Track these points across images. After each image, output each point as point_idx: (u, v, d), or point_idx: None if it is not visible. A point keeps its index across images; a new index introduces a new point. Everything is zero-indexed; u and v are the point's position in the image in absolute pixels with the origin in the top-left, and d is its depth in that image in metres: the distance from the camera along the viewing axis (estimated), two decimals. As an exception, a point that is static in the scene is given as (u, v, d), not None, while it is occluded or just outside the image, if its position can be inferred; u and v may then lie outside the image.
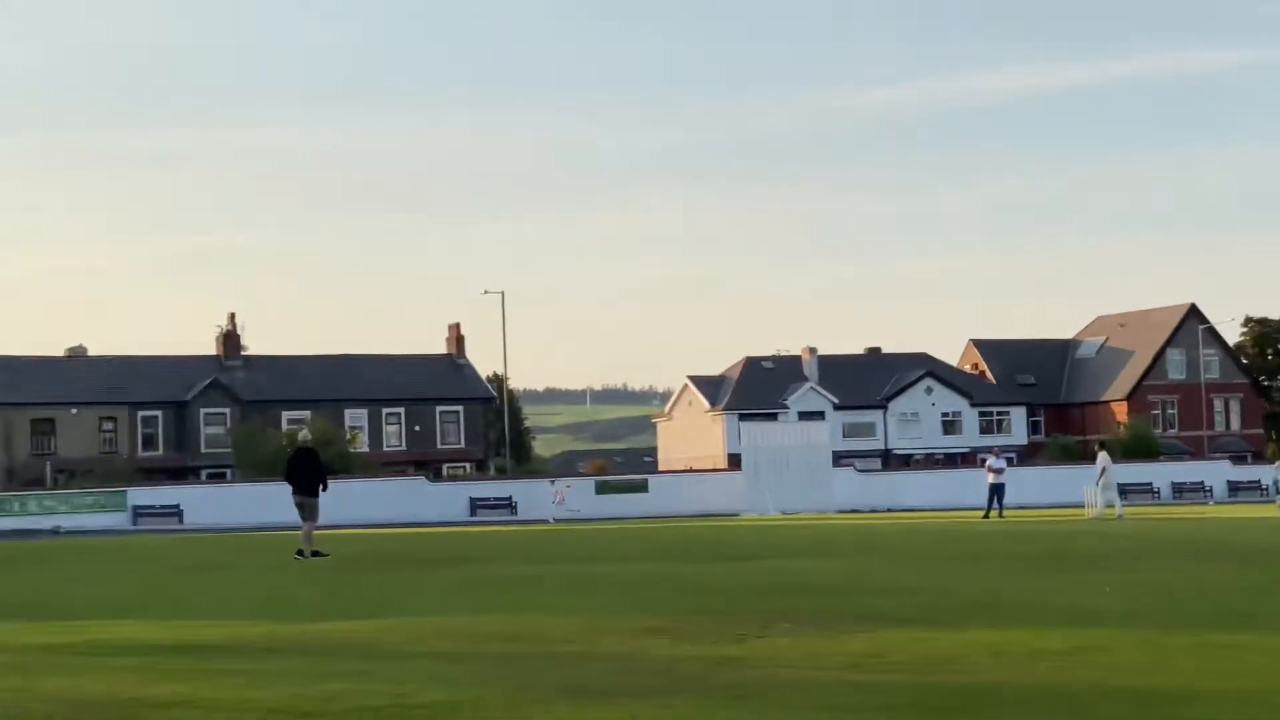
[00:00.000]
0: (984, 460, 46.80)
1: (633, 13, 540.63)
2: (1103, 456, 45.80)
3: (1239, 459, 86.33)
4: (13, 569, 26.93)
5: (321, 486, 26.86)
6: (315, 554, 25.65)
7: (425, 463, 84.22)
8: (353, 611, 14.97)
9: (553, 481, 65.00)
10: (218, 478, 78.94)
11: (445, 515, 63.38)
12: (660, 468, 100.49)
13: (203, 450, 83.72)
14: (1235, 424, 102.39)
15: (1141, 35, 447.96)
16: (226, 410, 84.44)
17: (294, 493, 26.79)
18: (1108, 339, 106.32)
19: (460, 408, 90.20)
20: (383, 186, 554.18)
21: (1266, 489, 45.81)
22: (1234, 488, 74.54)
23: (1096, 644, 11.10)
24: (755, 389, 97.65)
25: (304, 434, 30.16)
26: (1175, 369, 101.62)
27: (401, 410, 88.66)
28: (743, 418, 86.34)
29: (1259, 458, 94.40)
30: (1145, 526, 34.93)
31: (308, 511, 26.60)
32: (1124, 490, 71.19)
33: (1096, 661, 10.22)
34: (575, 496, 68.33)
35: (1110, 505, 43.45)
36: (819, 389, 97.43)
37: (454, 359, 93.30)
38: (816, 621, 13.08)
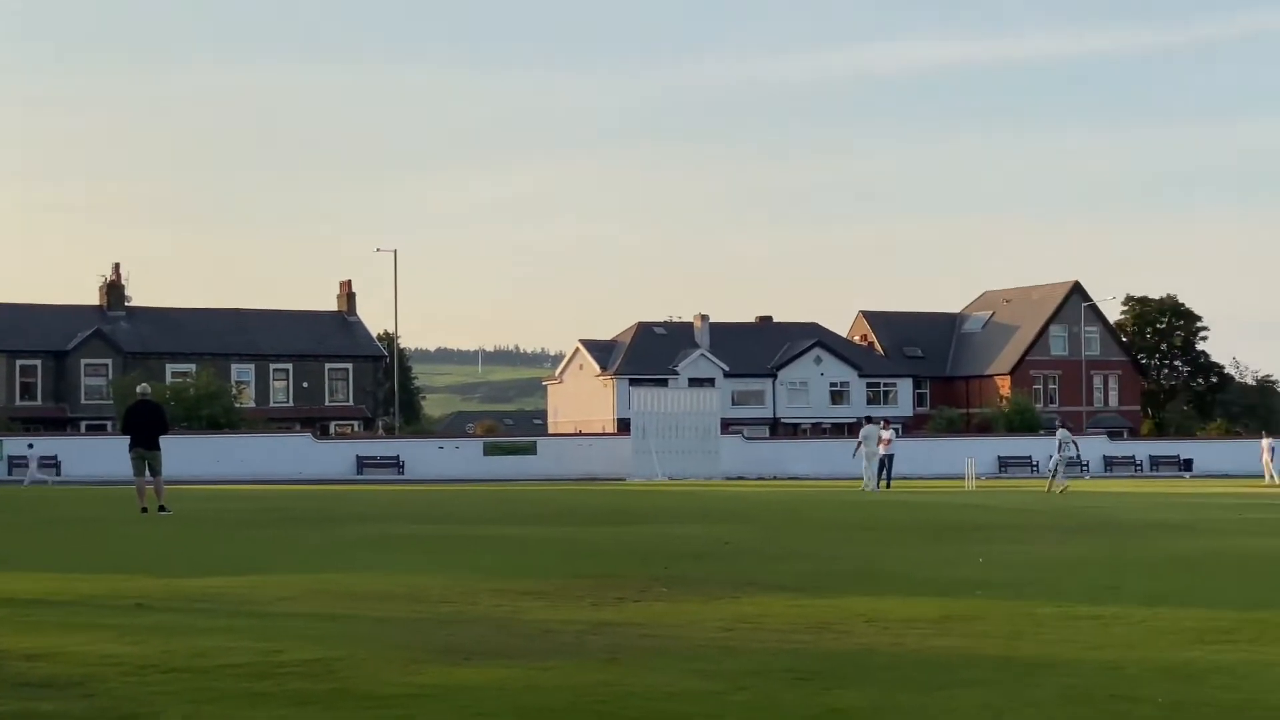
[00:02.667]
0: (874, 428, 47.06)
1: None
2: (1062, 433, 46.01)
3: (1115, 434, 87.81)
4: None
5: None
6: (162, 509, 25.42)
7: (312, 420, 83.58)
8: (228, 568, 14.85)
9: (30, 445, 62.72)
10: (98, 429, 77.84)
11: (331, 473, 63.01)
12: (550, 431, 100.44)
13: (83, 401, 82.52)
14: (1114, 400, 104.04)
15: (1039, 15, 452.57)
16: (108, 361, 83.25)
17: (134, 446, 26.24)
18: (994, 314, 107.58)
19: (349, 365, 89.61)
20: (276, 140, 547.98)
21: (1039, 464, 45.55)
22: (1109, 463, 75.81)
23: (966, 613, 11.26)
24: (646, 354, 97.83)
25: (143, 386, 29.51)
26: (1058, 345, 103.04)
27: (289, 366, 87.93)
28: (633, 383, 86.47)
29: (1135, 434, 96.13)
30: (1025, 500, 35.46)
31: (154, 465, 26.20)
32: (1004, 463, 72.47)
33: (965, 630, 10.37)
34: (462, 457, 68.18)
35: (1058, 477, 43.31)
36: (710, 356, 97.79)
37: (344, 316, 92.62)
38: (694, 586, 13.16)
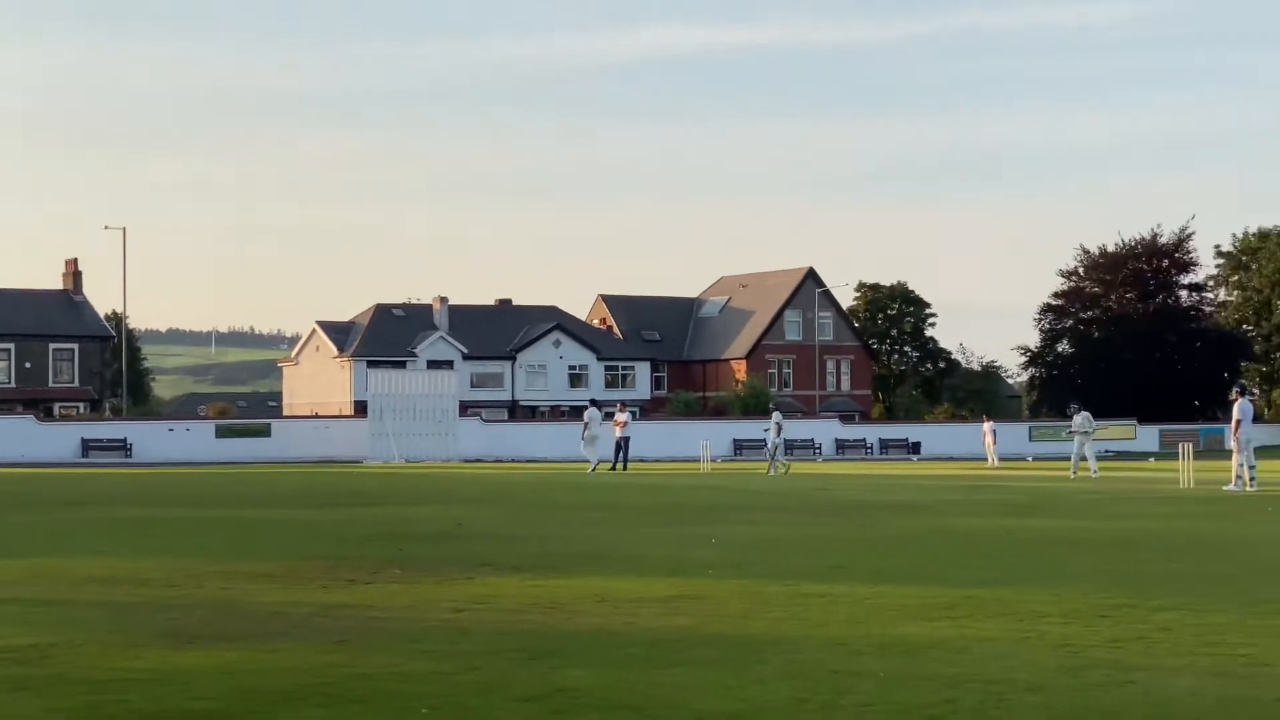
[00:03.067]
0: (609, 414, 47.40)
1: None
2: (777, 415, 46.75)
3: (847, 418, 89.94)
4: None
5: None
6: None
7: (36, 401, 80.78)
8: (-58, 553, 14.28)
9: None
10: None
11: (55, 456, 61.01)
12: (285, 413, 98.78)
13: None
14: (846, 384, 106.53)
15: (778, 5, 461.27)
16: None
17: None
18: (730, 299, 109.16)
19: (75, 345, 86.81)
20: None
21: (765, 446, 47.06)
22: (841, 445, 77.63)
23: (697, 592, 11.41)
24: (385, 336, 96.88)
25: None
26: (792, 330, 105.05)
27: (11, 346, 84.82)
28: (371, 365, 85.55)
29: (866, 417, 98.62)
30: (758, 482, 36.08)
31: None
32: (740, 446, 73.68)
33: (695, 609, 10.50)
34: (194, 439, 66.65)
35: (778, 458, 44.40)
36: (449, 338, 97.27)
37: (70, 295, 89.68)
38: (427, 568, 13.08)
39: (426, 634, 9.17)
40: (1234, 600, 11.16)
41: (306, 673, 7.69)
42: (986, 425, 60.36)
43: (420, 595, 11.14)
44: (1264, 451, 44.03)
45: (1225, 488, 29.25)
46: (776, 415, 46.17)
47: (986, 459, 58.35)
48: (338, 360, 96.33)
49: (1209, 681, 7.85)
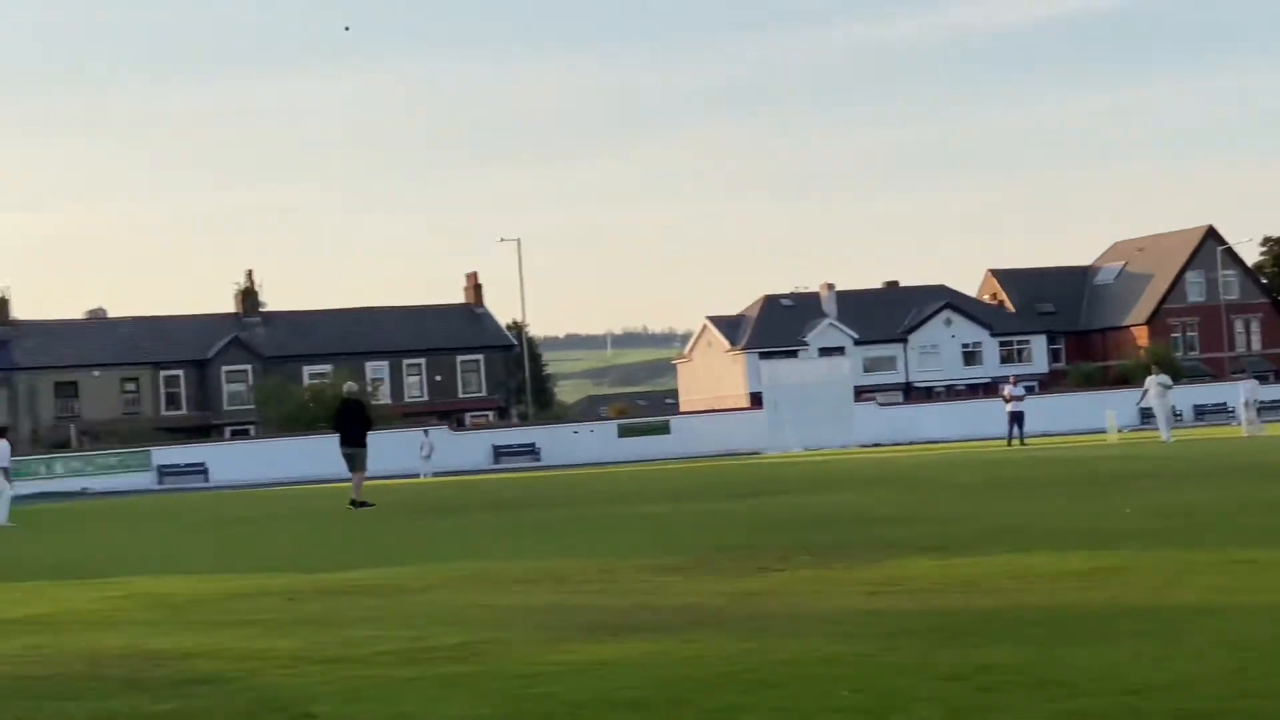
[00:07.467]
0: (1001, 389, 46.67)
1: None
2: (1150, 380, 45.32)
3: (1262, 378, 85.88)
4: (43, 531, 27.03)
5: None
6: (362, 504, 25.63)
7: (448, 412, 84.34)
8: (376, 559, 14.98)
9: (426, 432, 61.40)
10: (241, 434, 79.17)
11: (469, 464, 63.50)
12: (682, 409, 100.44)
13: (225, 408, 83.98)
14: (1256, 344, 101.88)
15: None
16: (248, 367, 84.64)
17: (341, 444, 26.85)
18: (1126, 264, 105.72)
19: (480, 356, 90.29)
20: (393, 137, 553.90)
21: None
22: (1259, 408, 74.09)
23: (1117, 565, 11.05)
24: (775, 327, 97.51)
25: (350, 386, 30.14)
26: (1195, 291, 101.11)
27: (422, 361, 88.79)
28: (763, 356, 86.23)
29: (1279, 377, 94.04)
30: (1173, 448, 34.82)
31: (356, 462, 26.62)
32: (1146, 414, 71.25)
33: (1115, 581, 10.17)
34: (597, 441, 68.38)
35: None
36: (838, 324, 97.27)
37: (472, 308, 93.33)
38: (836, 552, 13.04)
39: (840, 618, 9.13)
40: None
41: (725, 660, 7.75)
42: None
43: (830, 580, 11.12)
44: None
45: None
46: (1153, 379, 43.74)
47: None
48: (730, 354, 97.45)
49: None
